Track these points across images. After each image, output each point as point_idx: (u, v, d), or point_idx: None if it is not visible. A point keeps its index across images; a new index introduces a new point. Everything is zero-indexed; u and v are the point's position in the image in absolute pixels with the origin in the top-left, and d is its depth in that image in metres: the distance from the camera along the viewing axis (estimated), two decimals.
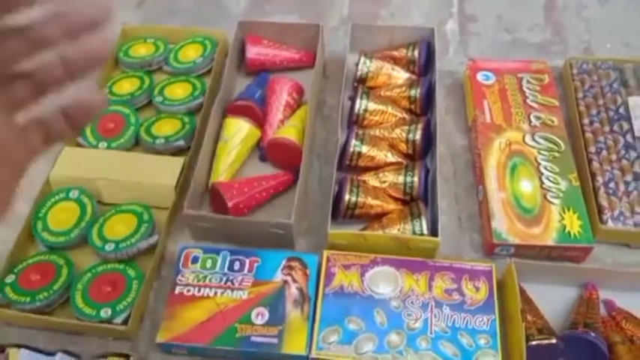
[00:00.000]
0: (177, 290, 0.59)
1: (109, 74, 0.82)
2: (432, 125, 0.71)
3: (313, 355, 0.55)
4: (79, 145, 0.73)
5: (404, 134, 0.70)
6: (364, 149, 0.68)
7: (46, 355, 0.56)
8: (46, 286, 0.59)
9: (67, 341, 0.59)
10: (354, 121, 0.72)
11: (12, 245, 0.63)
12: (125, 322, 0.58)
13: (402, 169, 0.67)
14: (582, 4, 0.92)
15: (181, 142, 0.72)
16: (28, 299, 0.58)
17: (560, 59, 0.82)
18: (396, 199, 0.67)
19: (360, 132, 0.69)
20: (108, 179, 0.68)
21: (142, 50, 0.83)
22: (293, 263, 0.61)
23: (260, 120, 0.74)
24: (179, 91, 0.79)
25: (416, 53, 0.78)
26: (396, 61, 0.79)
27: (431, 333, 0.56)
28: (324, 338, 0.56)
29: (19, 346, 0.56)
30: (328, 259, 0.61)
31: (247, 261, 0.61)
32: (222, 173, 0.69)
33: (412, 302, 0.58)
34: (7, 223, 0.68)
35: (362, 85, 0.75)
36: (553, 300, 0.60)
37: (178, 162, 0.70)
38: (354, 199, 0.64)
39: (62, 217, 0.65)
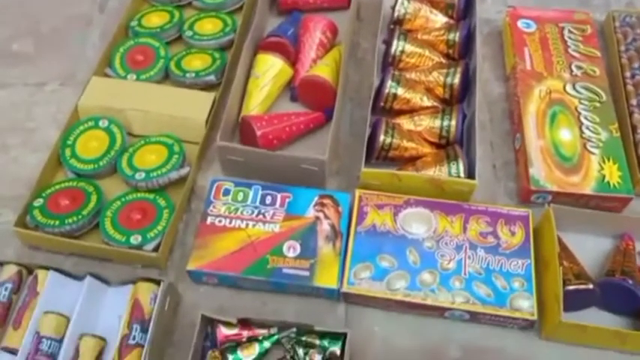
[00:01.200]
0: (209, 220, 0.58)
1: (138, 7, 0.79)
2: (471, 70, 0.69)
3: (344, 289, 0.55)
4: (106, 75, 0.72)
5: (442, 78, 0.68)
6: (400, 91, 0.67)
7: (73, 279, 0.56)
8: (75, 210, 0.59)
9: (93, 267, 0.59)
10: (390, 63, 0.70)
11: (39, 171, 0.62)
12: (155, 249, 0.57)
13: (438, 112, 0.65)
14: None
15: (212, 77, 0.71)
16: (57, 222, 0.58)
17: (602, 13, 0.79)
18: (430, 142, 0.65)
19: (397, 74, 0.68)
20: (138, 110, 0.66)
21: None
22: (325, 200, 0.60)
23: (292, 58, 0.72)
24: (209, 26, 0.76)
25: None
26: (433, 4, 0.76)
27: (465, 274, 0.55)
28: (356, 274, 0.55)
29: (47, 268, 0.55)
30: (360, 198, 0.60)
31: (279, 196, 0.60)
32: (252, 109, 0.68)
33: (446, 243, 0.57)
34: (35, 149, 0.68)
35: (399, 26, 0.73)
36: (589, 249, 0.59)
37: (209, 97, 0.68)
38: (388, 140, 0.63)
39: (91, 145, 0.64)
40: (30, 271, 0.57)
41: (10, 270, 0.55)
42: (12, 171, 0.65)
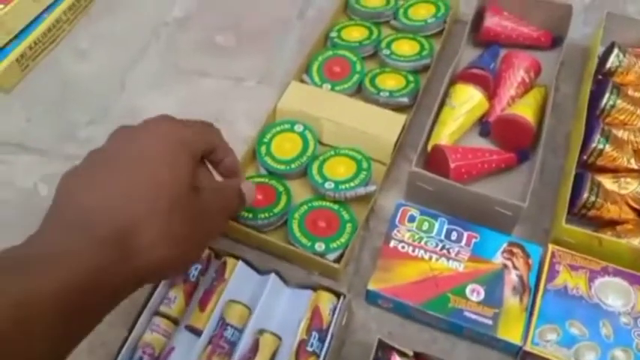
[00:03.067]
0: (392, 244, 0.58)
1: (337, 19, 0.82)
2: None
3: (527, 347, 0.52)
4: (302, 81, 0.74)
5: None
6: (607, 148, 0.62)
7: (257, 272, 0.58)
8: (268, 207, 0.61)
9: (270, 264, 0.60)
10: (597, 116, 0.66)
11: None
12: (337, 260, 0.58)
13: None
14: None
15: (405, 99, 0.71)
16: (251, 215, 0.60)
17: None
18: (633, 209, 0.61)
19: (606, 129, 0.63)
20: (332, 121, 0.68)
21: (372, 1, 0.82)
22: (515, 249, 0.57)
23: (490, 92, 0.70)
24: (406, 47, 0.77)
25: None
26: None
27: None
28: (541, 334, 0.52)
29: (237, 257, 0.58)
30: (553, 254, 0.57)
31: (465, 234, 0.59)
32: (443, 138, 0.67)
33: None
34: (229, 141, 0.71)
35: (611, 79, 0.69)
36: None
37: (401, 118, 0.68)
38: (592, 198, 0.59)
39: (285, 146, 0.66)
40: (217, 257, 0.59)
41: None
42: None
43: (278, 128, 0.68)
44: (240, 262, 0.57)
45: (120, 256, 0.38)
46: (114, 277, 0.38)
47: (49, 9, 0.81)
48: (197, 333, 0.54)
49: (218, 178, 0.53)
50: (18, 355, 0.32)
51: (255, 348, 0.52)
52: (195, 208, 0.43)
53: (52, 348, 0.35)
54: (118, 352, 0.52)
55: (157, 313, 0.55)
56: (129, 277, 0.40)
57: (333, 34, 0.79)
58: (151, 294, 0.56)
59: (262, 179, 0.64)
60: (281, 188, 0.63)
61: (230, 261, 0.58)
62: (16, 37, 0.78)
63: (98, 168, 0.42)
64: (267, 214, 0.60)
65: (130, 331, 0.53)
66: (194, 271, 0.57)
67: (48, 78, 0.79)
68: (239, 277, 0.57)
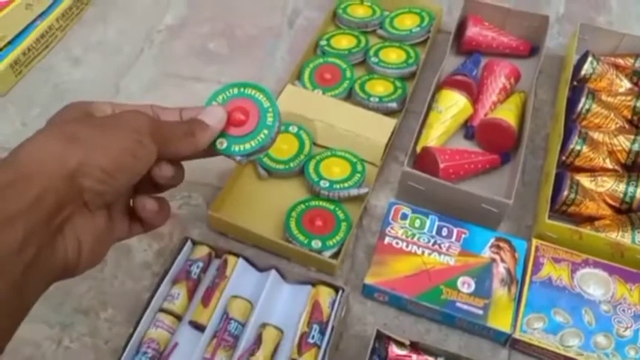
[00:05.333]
0: (387, 241, 0.61)
1: (326, 28, 0.85)
2: None
3: (516, 335, 0.55)
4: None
5: (627, 143, 0.67)
6: (584, 149, 0.67)
7: (257, 269, 0.60)
8: (248, 134, 0.56)
9: (269, 262, 0.62)
10: (574, 120, 0.70)
11: (229, 162, 0.67)
12: (333, 257, 0.61)
13: (624, 177, 0.65)
14: None
15: (394, 105, 0.74)
16: (225, 144, 0.58)
17: None
18: (610, 205, 0.65)
19: (583, 131, 0.68)
20: (325, 123, 0.70)
21: (359, 11, 0.86)
22: (502, 244, 0.61)
23: (473, 98, 0.74)
24: (393, 55, 0.80)
25: None
26: (619, 69, 0.76)
27: None
28: (528, 323, 0.56)
29: (237, 255, 0.60)
30: (537, 248, 0.60)
31: (455, 230, 0.62)
32: (431, 141, 0.70)
33: (624, 310, 0.56)
34: None
35: (586, 85, 0.73)
36: None
37: (391, 122, 0.72)
38: (572, 195, 0.63)
39: (282, 147, 0.69)
40: (217, 255, 0.61)
41: (203, 250, 0.60)
42: (204, 161, 0.70)
43: None
44: (240, 260, 0.59)
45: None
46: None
47: (41, 16, 0.82)
48: (200, 328, 0.56)
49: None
50: None
51: (258, 341, 0.54)
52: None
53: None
54: (124, 348, 0.53)
55: (160, 309, 0.56)
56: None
57: (323, 43, 0.82)
58: (155, 291, 0.57)
59: (237, 92, 0.51)
60: (266, 104, 0.51)
61: (230, 259, 0.60)
62: (9, 43, 0.79)
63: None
64: (241, 147, 0.50)
65: (135, 328, 0.55)
66: (196, 269, 0.59)
67: (42, 83, 0.80)
68: (240, 274, 0.59)
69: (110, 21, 0.88)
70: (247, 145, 0.50)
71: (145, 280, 0.61)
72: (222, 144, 0.49)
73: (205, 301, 0.57)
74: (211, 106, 0.48)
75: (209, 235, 0.65)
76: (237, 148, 0.50)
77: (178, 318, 0.57)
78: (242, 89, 0.51)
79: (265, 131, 0.51)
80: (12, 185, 0.33)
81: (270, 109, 0.51)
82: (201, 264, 0.60)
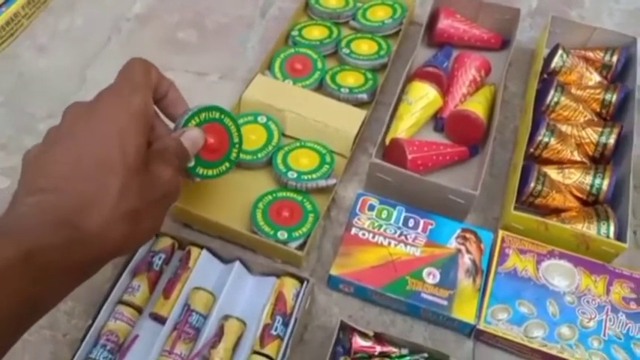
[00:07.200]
0: (353, 232, 0.60)
1: (298, 19, 0.84)
2: (624, 132, 0.68)
3: (481, 326, 0.55)
4: None
5: (595, 136, 0.68)
6: (552, 141, 0.67)
7: (221, 261, 0.59)
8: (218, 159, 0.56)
9: (234, 253, 0.61)
10: (543, 112, 0.70)
11: None
12: (299, 248, 0.60)
13: (590, 169, 0.65)
14: None
15: (364, 96, 0.74)
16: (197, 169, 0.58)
17: None
18: (576, 197, 0.65)
19: (551, 123, 0.68)
20: (295, 113, 0.70)
21: (332, 2, 0.85)
22: (468, 235, 0.61)
23: (443, 90, 0.73)
24: (365, 47, 0.80)
25: (614, 59, 0.75)
26: (588, 62, 0.77)
27: (604, 335, 0.54)
28: (493, 314, 0.56)
29: (200, 246, 0.59)
30: (503, 239, 0.60)
31: (422, 221, 0.61)
32: (400, 133, 0.70)
33: (587, 301, 0.56)
34: None
35: (556, 77, 0.73)
36: None
37: (361, 114, 0.71)
38: (539, 187, 0.63)
39: (250, 138, 0.68)
40: (181, 246, 0.60)
41: (165, 242, 0.59)
42: None
43: (242, 120, 0.69)
44: (204, 251, 0.58)
45: (72, 237, 0.38)
46: (71, 255, 0.38)
47: (6, 3, 0.80)
48: (161, 321, 0.55)
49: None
50: None
51: (220, 333, 0.53)
52: (146, 180, 0.43)
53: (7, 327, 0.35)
54: (82, 340, 0.52)
55: (120, 301, 0.55)
56: (88, 256, 0.39)
57: (295, 33, 0.81)
58: (115, 283, 0.56)
59: (209, 116, 0.54)
60: (236, 139, 0.57)
61: (194, 250, 0.59)
62: None
63: (52, 147, 0.42)
64: (206, 171, 0.55)
65: (94, 320, 0.53)
66: (158, 260, 0.58)
67: (6, 72, 0.78)
68: (203, 266, 0.58)
69: (78, 9, 0.86)
70: (210, 172, 0.55)
71: (106, 272, 0.60)
72: (190, 162, 0.52)
73: (167, 292, 0.56)
74: (192, 129, 0.51)
75: (173, 227, 0.64)
76: (201, 172, 0.54)
77: (139, 310, 0.55)
78: (220, 115, 0.54)
79: (227, 164, 0.57)
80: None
81: (237, 145, 0.56)
82: (163, 255, 0.58)
